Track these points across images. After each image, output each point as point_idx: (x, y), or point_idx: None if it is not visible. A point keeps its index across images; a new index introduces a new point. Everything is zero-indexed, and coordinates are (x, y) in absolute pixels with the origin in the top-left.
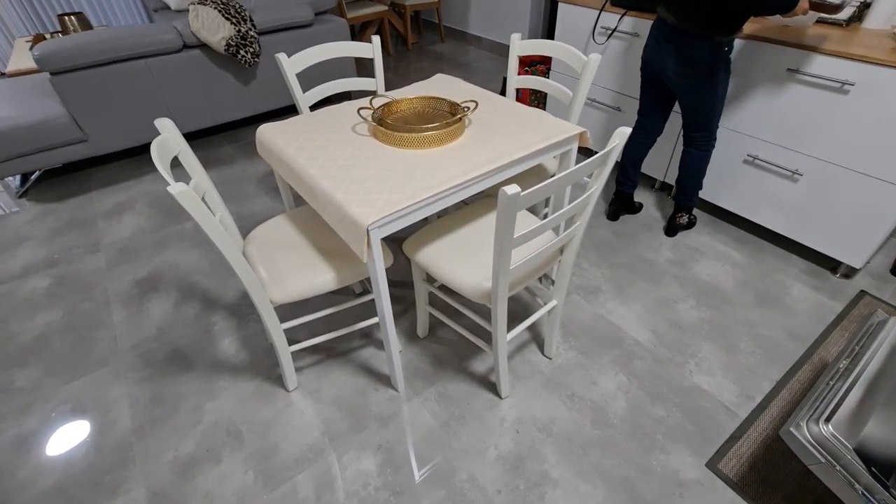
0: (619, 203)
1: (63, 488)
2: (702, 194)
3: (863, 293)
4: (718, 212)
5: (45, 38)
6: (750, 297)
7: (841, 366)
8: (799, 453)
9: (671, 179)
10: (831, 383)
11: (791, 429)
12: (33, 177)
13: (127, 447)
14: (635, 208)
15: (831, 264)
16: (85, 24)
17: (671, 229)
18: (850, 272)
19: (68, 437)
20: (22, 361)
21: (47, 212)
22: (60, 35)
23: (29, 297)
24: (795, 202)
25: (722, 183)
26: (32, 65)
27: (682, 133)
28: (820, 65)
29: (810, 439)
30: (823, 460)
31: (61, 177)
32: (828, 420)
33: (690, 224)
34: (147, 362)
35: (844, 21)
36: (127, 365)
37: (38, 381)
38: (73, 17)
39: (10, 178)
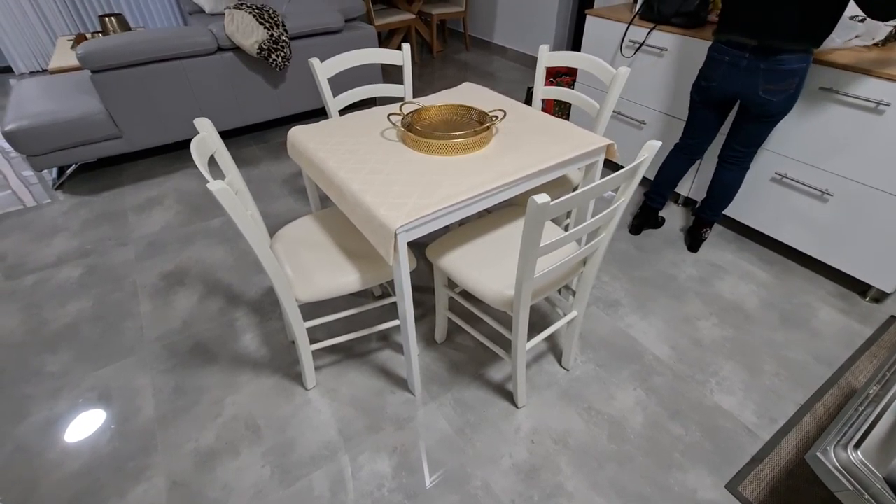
0: (644, 218)
1: (88, 472)
2: (727, 211)
3: (893, 318)
4: (744, 230)
5: (86, 38)
6: (775, 318)
7: (871, 392)
8: (825, 479)
9: (695, 195)
10: (860, 409)
11: (818, 454)
12: (69, 170)
13: (150, 435)
14: (658, 223)
15: (861, 288)
16: (124, 26)
17: (696, 243)
18: (880, 296)
19: (95, 423)
20: (53, 347)
21: (81, 204)
22: (100, 35)
23: (61, 286)
24: (824, 222)
25: (748, 200)
26: (73, 62)
27: (722, 151)
28: (855, 84)
29: (838, 466)
30: (851, 488)
31: (95, 171)
32: (857, 447)
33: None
34: (171, 353)
35: (881, 41)
36: (152, 355)
37: (68, 367)
38: (112, 19)
39: (47, 171)
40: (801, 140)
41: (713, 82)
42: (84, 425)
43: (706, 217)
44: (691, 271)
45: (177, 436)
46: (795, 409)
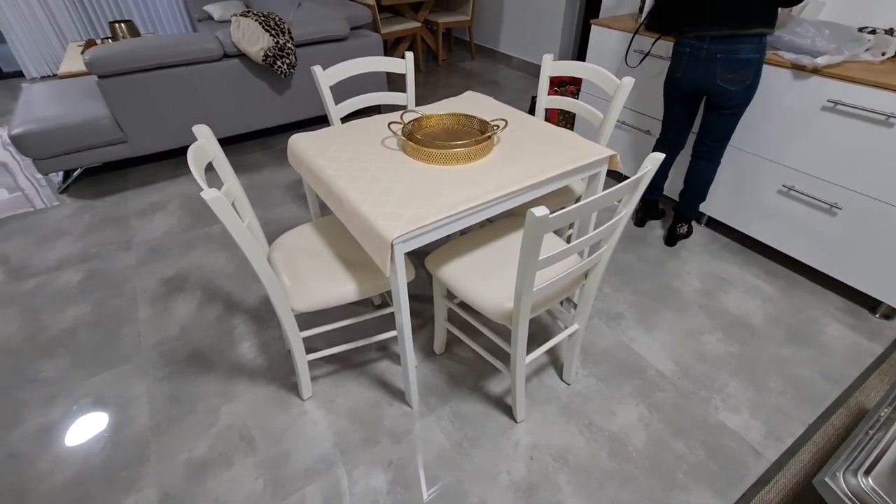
0: (646, 210)
1: (79, 481)
2: (733, 223)
3: None
4: (750, 242)
5: (96, 44)
6: (781, 333)
7: (882, 414)
8: None
9: (703, 207)
10: (871, 432)
11: (826, 479)
12: (75, 174)
13: (144, 444)
14: (660, 213)
15: (870, 303)
16: (133, 32)
17: (671, 239)
18: (890, 312)
19: (88, 431)
20: (50, 353)
21: (85, 208)
22: (110, 41)
23: (61, 290)
24: (833, 236)
25: (755, 213)
26: (82, 68)
27: (694, 146)
28: (863, 96)
29: (848, 492)
30: None
31: (100, 175)
32: (868, 472)
33: (689, 233)
34: (168, 361)
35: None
36: (149, 362)
37: (64, 373)
38: (122, 25)
39: (53, 174)
40: (808, 152)
41: (678, 73)
42: (77, 433)
43: (684, 213)
44: (695, 284)
45: (170, 445)
46: (803, 429)
